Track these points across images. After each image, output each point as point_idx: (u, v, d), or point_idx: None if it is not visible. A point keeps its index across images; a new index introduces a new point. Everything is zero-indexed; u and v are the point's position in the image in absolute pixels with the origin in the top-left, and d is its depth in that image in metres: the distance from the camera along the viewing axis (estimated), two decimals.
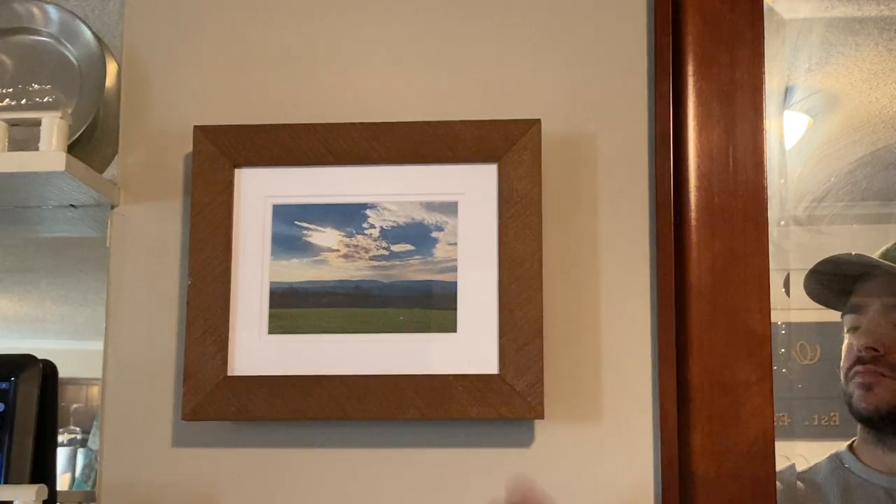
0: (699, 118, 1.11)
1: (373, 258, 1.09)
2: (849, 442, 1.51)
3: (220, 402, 1.07)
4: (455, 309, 1.08)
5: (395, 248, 1.09)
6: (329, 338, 1.09)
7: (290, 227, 1.11)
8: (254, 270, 1.10)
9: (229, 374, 1.08)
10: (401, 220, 1.10)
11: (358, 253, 1.10)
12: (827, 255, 1.57)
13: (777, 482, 1.08)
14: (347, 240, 1.10)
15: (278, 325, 1.09)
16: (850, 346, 1.47)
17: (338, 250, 1.10)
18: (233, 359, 1.09)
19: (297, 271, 1.10)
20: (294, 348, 1.09)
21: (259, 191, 1.11)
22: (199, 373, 1.08)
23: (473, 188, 1.09)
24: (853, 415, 1.46)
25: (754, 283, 1.08)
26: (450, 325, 1.08)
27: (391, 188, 1.10)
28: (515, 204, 1.08)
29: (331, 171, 1.11)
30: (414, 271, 1.09)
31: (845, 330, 1.50)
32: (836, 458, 1.50)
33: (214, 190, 1.10)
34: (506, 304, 1.06)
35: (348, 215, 1.10)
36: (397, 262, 1.09)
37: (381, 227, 1.10)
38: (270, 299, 1.10)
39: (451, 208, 1.10)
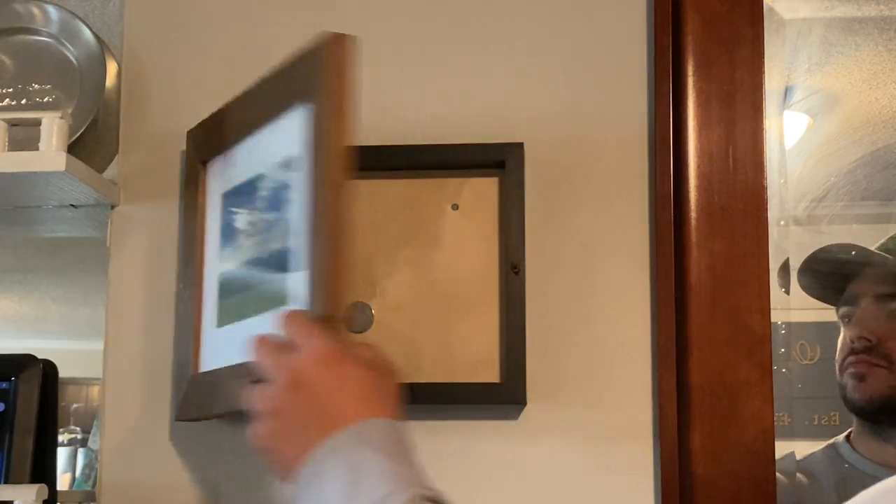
0: (699, 118, 1.11)
1: (257, 233, 0.98)
2: (846, 433, 1.51)
3: (190, 402, 1.05)
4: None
5: (269, 217, 0.97)
6: (244, 324, 0.98)
7: (228, 214, 1.03)
8: (213, 265, 1.06)
9: (199, 371, 1.05)
10: (272, 187, 0.97)
11: (251, 230, 0.99)
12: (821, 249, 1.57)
13: (777, 472, 1.08)
14: (250, 217, 0.99)
15: (222, 317, 1.03)
16: (844, 337, 1.47)
17: (245, 230, 1.00)
18: (199, 357, 1.05)
19: (229, 260, 1.02)
20: (229, 339, 1.01)
21: (215, 183, 1.07)
22: (181, 373, 1.07)
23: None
24: (847, 406, 1.45)
25: (754, 283, 1.08)
26: (286, 297, 0.92)
27: (269, 153, 0.97)
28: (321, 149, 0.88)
29: (246, 146, 1.01)
30: (277, 240, 0.94)
31: (840, 323, 1.50)
32: (832, 449, 1.50)
33: (191, 192, 1.09)
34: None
35: (250, 191, 0.99)
36: (270, 234, 0.96)
37: (264, 198, 0.97)
38: (218, 292, 1.03)
39: (291, 164, 0.93)
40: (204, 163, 1.08)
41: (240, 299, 1.00)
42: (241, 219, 1.01)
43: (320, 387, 0.76)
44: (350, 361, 0.78)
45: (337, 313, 0.83)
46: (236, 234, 1.01)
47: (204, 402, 1.03)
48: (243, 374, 0.90)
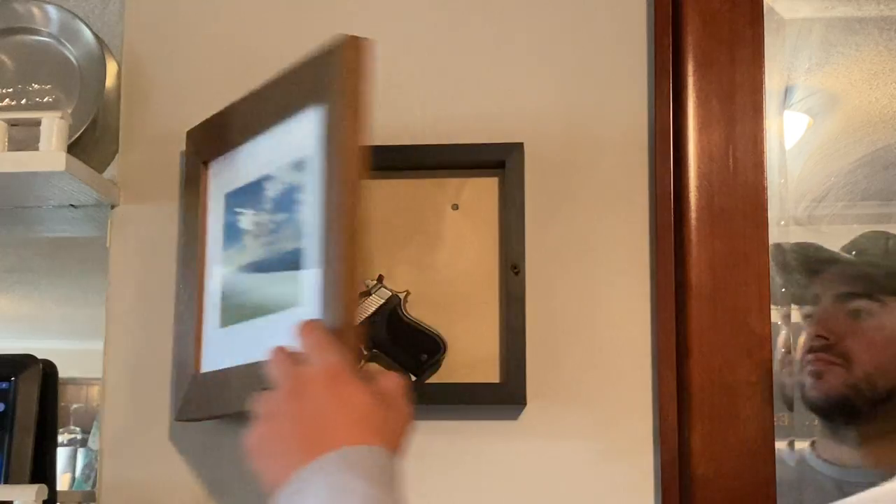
0: (699, 118, 1.11)
1: (264, 234, 0.97)
2: (810, 440, 1.52)
3: (192, 402, 1.05)
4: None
5: (278, 217, 0.96)
6: (250, 325, 0.98)
7: (232, 214, 1.03)
8: (215, 265, 1.05)
9: (201, 371, 1.05)
10: (282, 188, 0.95)
11: (257, 230, 0.98)
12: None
13: None
14: (256, 218, 0.99)
15: (225, 317, 1.02)
16: (806, 336, 1.48)
17: (251, 231, 0.99)
18: (200, 356, 1.05)
19: (233, 260, 1.02)
20: (233, 339, 1.01)
21: (217, 183, 1.06)
22: (181, 373, 1.07)
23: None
24: (805, 404, 1.46)
25: (754, 283, 1.08)
26: (297, 299, 0.91)
27: (279, 154, 0.96)
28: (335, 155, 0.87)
29: (251, 146, 1.01)
30: (287, 241, 0.93)
31: (803, 322, 1.51)
32: (798, 455, 1.51)
33: (192, 192, 1.09)
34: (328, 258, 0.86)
35: (256, 192, 0.99)
36: (278, 235, 0.95)
37: (272, 199, 0.97)
38: (222, 292, 1.03)
39: (303, 165, 0.92)
40: (205, 163, 1.08)
41: (245, 300, 0.99)
42: (246, 219, 1.01)
43: (319, 403, 0.73)
44: (356, 384, 0.74)
45: (353, 324, 0.82)
46: (241, 234, 1.01)
47: (207, 403, 1.03)
48: (251, 375, 0.90)
